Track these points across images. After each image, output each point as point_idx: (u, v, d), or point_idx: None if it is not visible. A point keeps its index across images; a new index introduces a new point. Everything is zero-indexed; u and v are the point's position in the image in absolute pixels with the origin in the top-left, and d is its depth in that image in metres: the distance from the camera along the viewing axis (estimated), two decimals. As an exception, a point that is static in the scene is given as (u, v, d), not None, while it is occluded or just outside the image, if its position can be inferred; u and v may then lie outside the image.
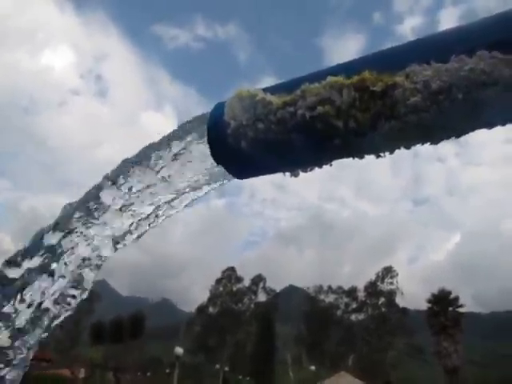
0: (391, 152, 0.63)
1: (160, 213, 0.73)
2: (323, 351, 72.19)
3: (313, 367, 32.96)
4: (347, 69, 0.60)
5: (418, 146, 0.64)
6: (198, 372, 42.64)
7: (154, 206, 0.72)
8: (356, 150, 0.63)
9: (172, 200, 0.74)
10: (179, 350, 17.12)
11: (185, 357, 18.38)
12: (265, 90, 0.67)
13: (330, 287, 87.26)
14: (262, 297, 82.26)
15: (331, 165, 0.69)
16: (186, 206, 0.76)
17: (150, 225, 0.74)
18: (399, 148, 0.62)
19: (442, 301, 32.23)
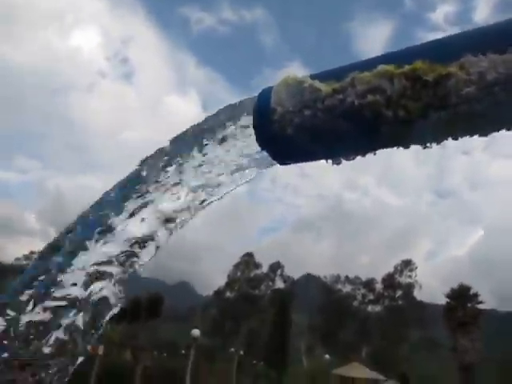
0: (438, 143, 0.63)
1: (206, 196, 0.75)
2: (337, 341, 72.32)
3: (326, 356, 33.10)
4: (399, 58, 0.60)
5: (465, 138, 0.64)
6: (213, 355, 43.24)
7: (201, 188, 0.74)
8: (403, 140, 0.64)
9: (218, 184, 0.75)
10: (196, 332, 17.40)
11: (201, 339, 18.66)
12: (312, 76, 0.67)
13: (347, 277, 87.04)
14: (279, 284, 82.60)
15: (375, 154, 0.70)
16: (229, 191, 0.77)
17: (198, 207, 0.76)
18: (447, 139, 0.62)
19: (461, 296, 31.86)
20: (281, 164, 0.76)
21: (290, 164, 0.76)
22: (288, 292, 76.96)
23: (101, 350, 16.64)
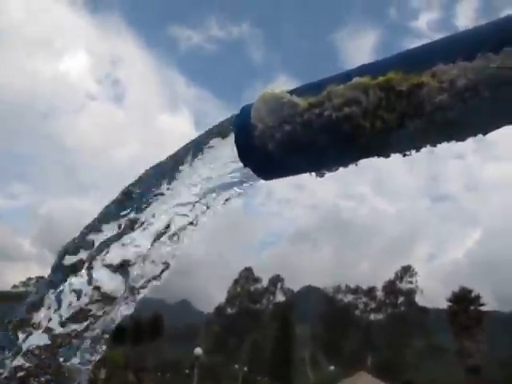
0: (417, 150, 0.64)
1: (195, 214, 0.76)
2: (342, 351, 71.86)
3: (331, 367, 32.85)
4: (372, 69, 0.61)
5: (444, 144, 0.65)
6: (217, 372, 42.83)
7: (190, 207, 0.75)
8: (382, 150, 0.64)
9: (203, 203, 0.76)
10: (198, 351, 17.24)
11: (204, 357, 18.49)
12: (290, 92, 0.68)
13: (348, 287, 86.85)
14: (280, 297, 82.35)
15: (356, 164, 0.70)
16: (212, 210, 0.78)
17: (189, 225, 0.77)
18: (425, 146, 0.63)
19: (463, 299, 31.81)
20: (265, 179, 0.76)
21: (273, 179, 0.77)
22: (289, 304, 76.65)
23: (103, 373, 16.44)
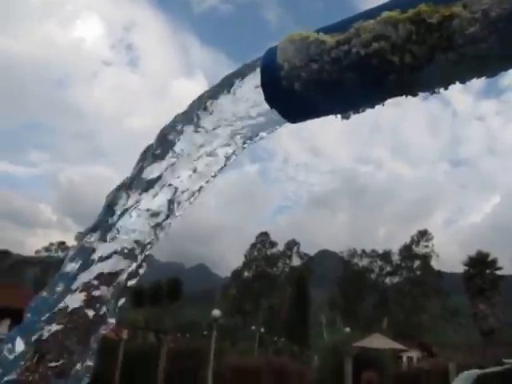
0: (446, 87, 0.63)
1: (217, 159, 0.77)
2: (357, 314, 72.96)
3: (347, 329, 33.40)
4: (402, 3, 0.60)
5: (472, 82, 0.63)
6: (235, 334, 43.93)
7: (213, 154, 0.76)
8: (411, 87, 0.64)
9: (227, 145, 0.76)
10: (216, 312, 17.67)
11: (221, 319, 18.97)
12: (317, 30, 0.67)
13: (363, 251, 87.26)
14: (296, 261, 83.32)
15: (383, 104, 0.70)
16: (237, 152, 0.78)
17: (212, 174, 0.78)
18: (454, 82, 0.62)
19: (479, 263, 31.73)
20: (291, 122, 0.76)
21: (299, 121, 0.76)
22: (305, 268, 77.51)
23: (125, 334, 17.00)
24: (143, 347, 19.64)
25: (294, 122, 0.76)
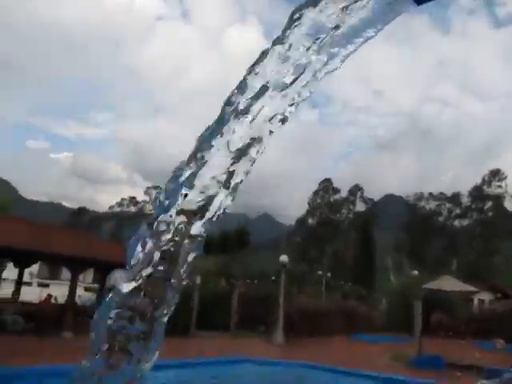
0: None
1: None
2: (425, 257, 71.97)
3: (415, 272, 33.12)
4: None
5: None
6: (301, 279, 44.99)
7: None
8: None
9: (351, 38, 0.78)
10: (284, 258, 18.15)
11: (288, 265, 19.47)
12: None
13: (431, 194, 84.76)
14: (360, 206, 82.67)
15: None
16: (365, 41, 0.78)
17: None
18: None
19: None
20: (418, 3, 0.74)
21: (425, 2, 0.75)
22: (370, 214, 76.85)
23: (198, 279, 17.93)
24: (216, 292, 20.67)
25: (420, 2, 0.74)
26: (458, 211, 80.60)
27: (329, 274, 41.54)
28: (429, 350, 12.70)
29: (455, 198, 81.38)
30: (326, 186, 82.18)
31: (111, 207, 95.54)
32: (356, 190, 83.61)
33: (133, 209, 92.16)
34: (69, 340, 13.92)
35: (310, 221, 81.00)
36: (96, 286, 25.20)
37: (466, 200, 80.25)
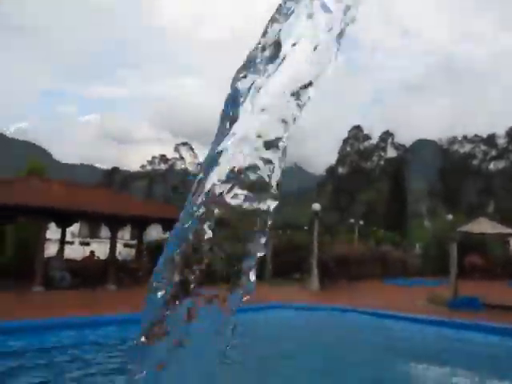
0: None
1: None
2: (460, 202, 70.74)
3: (449, 216, 32.75)
4: None
5: None
6: (334, 227, 45.22)
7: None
8: None
9: None
10: (316, 206, 18.19)
11: (320, 214, 19.52)
12: None
13: (465, 137, 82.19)
14: (391, 153, 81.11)
15: None
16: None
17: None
18: None
19: None
20: None
21: None
22: (402, 160, 75.45)
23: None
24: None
25: None
26: (493, 153, 78.18)
27: (361, 222, 41.59)
28: (465, 292, 12.76)
29: (491, 140, 78.75)
30: (356, 133, 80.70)
31: (142, 166, 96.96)
32: (387, 136, 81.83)
33: (163, 166, 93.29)
34: (113, 292, 14.64)
35: (341, 169, 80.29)
36: (134, 242, 26.08)
37: (502, 141, 77.59)
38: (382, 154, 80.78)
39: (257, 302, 12.29)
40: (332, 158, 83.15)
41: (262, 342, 8.47)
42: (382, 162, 79.68)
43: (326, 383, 5.55)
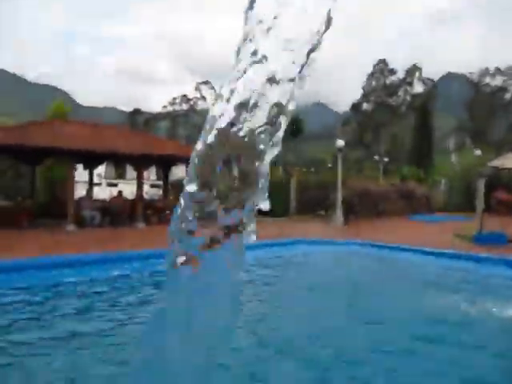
0: None
1: None
2: (489, 137, 68.70)
3: (478, 152, 31.98)
4: None
5: None
6: (358, 165, 44.91)
7: None
8: None
9: None
10: (340, 142, 17.90)
11: (345, 151, 19.27)
12: None
13: (498, 69, 78.30)
14: (418, 88, 78.22)
15: None
16: None
17: None
18: None
19: None
20: None
21: None
22: (429, 94, 72.82)
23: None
24: (274, 180, 21.01)
25: None
26: (527, 86, 74.71)
27: (386, 159, 41.05)
28: (491, 228, 12.68)
29: (525, 71, 74.99)
30: (381, 67, 77.78)
31: (164, 107, 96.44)
32: (414, 70, 78.62)
33: (185, 106, 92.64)
34: (143, 230, 15.11)
35: (365, 106, 78.25)
36: (159, 182, 26.52)
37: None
38: (409, 88, 78.03)
39: (281, 237, 12.53)
40: (357, 95, 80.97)
41: (287, 275, 8.72)
42: (408, 98, 77.18)
43: (354, 314, 5.71)
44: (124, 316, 5.18)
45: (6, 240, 11.08)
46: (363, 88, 78.67)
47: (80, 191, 18.49)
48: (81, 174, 20.47)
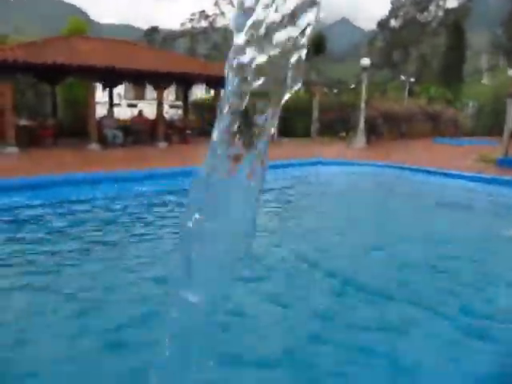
0: None
1: None
2: (524, 56, 64.98)
3: (511, 72, 30.39)
4: None
5: None
6: (383, 85, 43.37)
7: None
8: None
9: None
10: (365, 61, 17.09)
11: (369, 70, 18.41)
12: None
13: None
14: (450, 3, 73.20)
15: None
16: None
17: None
18: None
19: None
20: None
21: None
22: (463, 9, 68.23)
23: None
24: (295, 101, 20.47)
25: None
26: None
27: (412, 79, 39.46)
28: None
29: None
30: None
31: (183, 24, 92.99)
32: (448, -19, 73.10)
33: (204, 23, 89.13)
34: (165, 149, 15.21)
35: (393, 22, 74.02)
36: (179, 103, 26.21)
37: None
38: (441, 3, 73.04)
39: (303, 157, 12.49)
40: (384, 11, 76.39)
41: (308, 194, 8.80)
42: (440, 13, 72.51)
43: (374, 230, 5.80)
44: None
45: (35, 159, 11.33)
46: (392, 2, 74.03)
47: (101, 112, 18.46)
48: (100, 95, 20.32)
